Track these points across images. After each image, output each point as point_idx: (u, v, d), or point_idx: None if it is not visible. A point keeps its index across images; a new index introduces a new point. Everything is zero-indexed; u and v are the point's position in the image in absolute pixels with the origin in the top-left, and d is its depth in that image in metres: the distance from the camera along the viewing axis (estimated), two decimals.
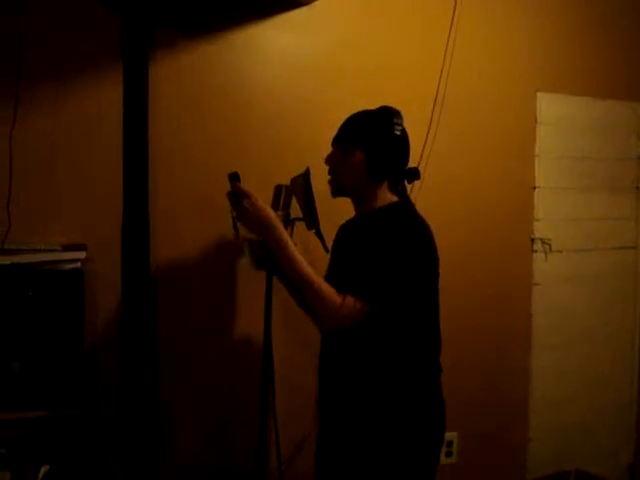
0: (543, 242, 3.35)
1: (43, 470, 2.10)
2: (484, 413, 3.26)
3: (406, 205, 2.05)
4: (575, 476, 3.48)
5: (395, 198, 2.05)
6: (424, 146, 2.88)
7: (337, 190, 2.10)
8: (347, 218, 2.20)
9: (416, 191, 2.27)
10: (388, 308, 1.88)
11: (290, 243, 1.88)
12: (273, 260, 1.94)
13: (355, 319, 1.84)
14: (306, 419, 2.64)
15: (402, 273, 1.87)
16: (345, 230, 2.22)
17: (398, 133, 2.00)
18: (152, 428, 2.46)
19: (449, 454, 3.13)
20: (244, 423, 2.56)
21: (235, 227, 2.04)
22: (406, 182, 2.11)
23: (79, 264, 2.24)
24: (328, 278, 1.97)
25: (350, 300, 1.82)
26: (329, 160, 2.09)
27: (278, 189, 2.11)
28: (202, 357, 2.59)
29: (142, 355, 2.42)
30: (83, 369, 2.24)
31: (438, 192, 2.94)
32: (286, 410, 2.42)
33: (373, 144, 1.99)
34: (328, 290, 1.84)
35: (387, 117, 2.01)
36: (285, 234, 1.89)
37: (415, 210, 2.03)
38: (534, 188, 3.32)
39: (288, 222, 2.08)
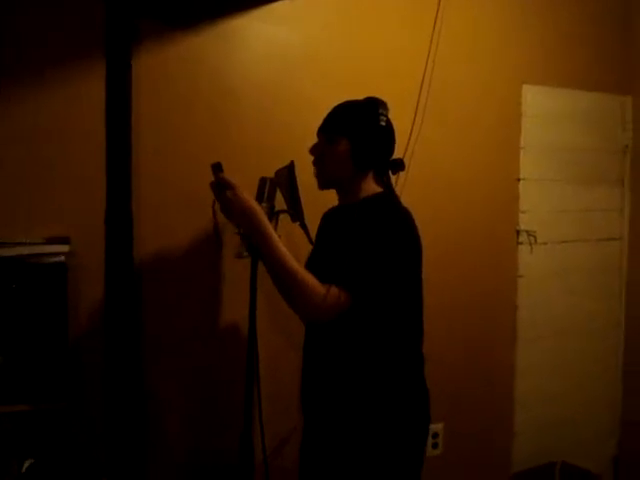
0: (528, 234, 3.35)
1: (27, 464, 2.09)
2: (470, 405, 3.27)
3: (390, 196, 2.05)
4: (561, 468, 3.50)
5: (379, 189, 2.06)
6: (409, 138, 2.88)
7: (323, 182, 2.10)
8: (329, 208, 2.21)
9: (401, 183, 2.28)
10: (372, 299, 1.88)
11: (274, 235, 1.87)
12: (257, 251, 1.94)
13: (339, 310, 1.84)
14: (292, 411, 2.64)
15: (386, 264, 1.87)
16: (329, 219, 2.23)
17: (383, 124, 2.01)
18: (138, 420, 2.45)
19: (435, 446, 3.14)
20: (230, 415, 2.55)
21: (215, 217, 2.03)
22: (391, 173, 2.11)
23: (62, 257, 2.22)
24: (309, 266, 1.98)
25: (334, 291, 1.82)
26: (314, 150, 2.09)
27: (262, 181, 2.10)
28: (187, 349, 2.58)
29: (127, 348, 2.41)
30: (67, 362, 2.23)
31: (423, 184, 2.94)
32: (272, 402, 2.42)
33: (358, 134, 1.99)
34: (312, 281, 1.83)
35: (373, 107, 2.02)
36: (269, 226, 1.88)
37: (399, 201, 2.04)
38: (519, 180, 3.33)
39: (272, 214, 2.07)
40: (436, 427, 3.10)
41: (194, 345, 2.59)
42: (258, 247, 1.90)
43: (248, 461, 2.12)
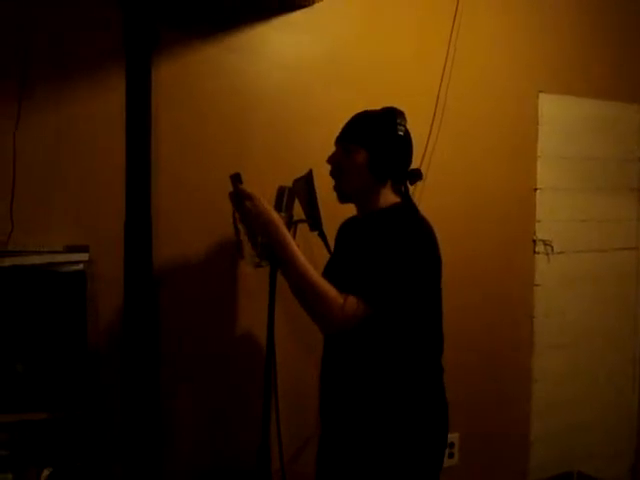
0: (545, 243, 3.35)
1: (46, 472, 2.10)
2: (486, 414, 3.27)
3: (409, 206, 2.04)
4: (577, 478, 3.48)
5: (398, 199, 2.05)
6: (426, 147, 2.89)
7: (342, 195, 2.10)
8: (348, 218, 2.21)
9: (418, 192, 2.28)
10: (390, 310, 1.88)
11: (293, 244, 1.88)
12: (276, 260, 1.95)
13: (357, 321, 1.84)
14: (309, 420, 2.64)
15: (405, 275, 1.87)
16: (347, 229, 2.23)
17: (402, 134, 2.00)
18: (154, 429, 2.45)
19: (451, 455, 3.13)
20: (247, 423, 2.56)
21: (236, 229, 2.04)
22: (409, 183, 2.11)
23: (82, 266, 2.24)
24: (326, 275, 1.97)
25: (352, 301, 1.82)
26: (332, 160, 2.09)
27: (281, 191, 2.10)
28: (205, 357, 2.59)
29: (145, 356, 2.41)
30: (86, 371, 2.24)
31: (440, 193, 2.94)
32: (289, 410, 2.42)
33: (376, 144, 1.99)
34: (330, 291, 1.83)
35: (391, 117, 2.01)
36: (288, 235, 1.89)
37: (418, 211, 2.03)
38: (536, 189, 3.32)
39: (291, 224, 2.07)
40: (452, 437, 3.09)
41: (211, 353, 2.60)
42: (277, 256, 1.91)
43: (265, 469, 2.11)
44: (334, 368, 2.10)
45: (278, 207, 2.05)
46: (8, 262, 2.13)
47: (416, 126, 2.15)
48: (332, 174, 2.09)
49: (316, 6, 2.69)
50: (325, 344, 2.15)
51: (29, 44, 2.23)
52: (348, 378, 2.03)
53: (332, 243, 2.25)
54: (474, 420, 3.19)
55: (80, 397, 2.20)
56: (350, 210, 2.17)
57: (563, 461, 3.52)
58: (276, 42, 2.66)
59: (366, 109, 2.10)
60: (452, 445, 3.12)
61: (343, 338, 2.00)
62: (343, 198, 2.11)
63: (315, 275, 1.86)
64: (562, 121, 3.41)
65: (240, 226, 2.00)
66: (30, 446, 2.13)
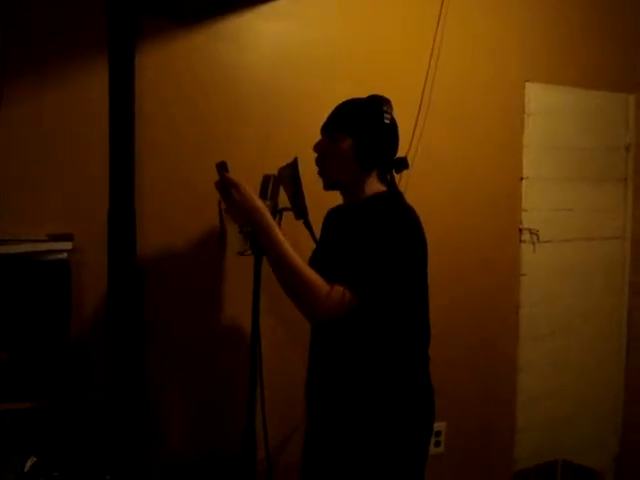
0: (531, 232, 3.35)
1: (30, 462, 2.09)
2: (472, 404, 3.28)
3: (395, 195, 2.04)
4: (562, 467, 3.51)
5: (384, 188, 2.05)
6: (412, 136, 2.88)
7: (328, 183, 2.10)
8: (335, 206, 2.20)
9: (404, 181, 2.27)
10: (376, 298, 1.88)
11: (279, 232, 1.87)
12: (261, 248, 1.95)
13: (343, 309, 1.83)
14: (295, 409, 2.63)
15: (390, 263, 1.87)
16: (333, 217, 2.23)
17: (387, 122, 2.00)
18: (140, 418, 2.45)
19: (437, 444, 3.14)
20: (233, 413, 2.55)
21: (221, 217, 2.03)
22: (395, 172, 2.11)
23: (65, 255, 2.22)
24: (312, 264, 1.97)
25: (338, 290, 1.82)
26: (317, 148, 2.08)
27: (266, 179, 2.09)
28: (190, 346, 2.58)
29: (129, 345, 2.40)
30: (70, 360, 2.23)
31: (425, 182, 2.94)
32: (275, 400, 2.42)
33: (362, 132, 1.98)
34: (316, 279, 1.83)
35: (376, 105, 2.01)
36: (273, 224, 1.89)
37: (404, 200, 2.03)
38: (522, 179, 3.33)
39: (276, 212, 2.07)
40: (438, 425, 3.10)
41: (197, 342, 2.59)
42: (263, 245, 1.90)
43: (250, 458, 2.12)
44: (321, 356, 2.10)
45: (263, 195, 2.05)
46: None
47: (403, 115, 2.15)
48: (318, 162, 2.09)
49: None
50: (312, 333, 2.15)
51: (9, 30, 2.20)
52: (334, 367, 2.03)
53: (318, 232, 2.24)
54: (461, 409, 3.20)
55: (64, 386, 2.19)
56: (336, 199, 2.16)
57: (548, 450, 3.54)
58: (263, 30, 2.65)
59: (352, 97, 2.10)
60: (439, 434, 3.13)
61: (330, 327, 2.00)
62: (328, 185, 2.11)
63: (301, 263, 1.85)
64: (548, 110, 3.41)
65: (225, 215, 1.99)
66: (13, 435, 2.12)
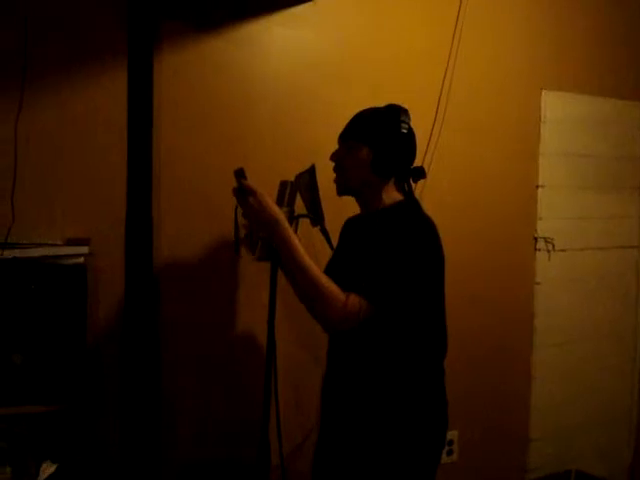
0: (546, 241, 3.34)
1: (44, 466, 2.10)
2: (485, 412, 3.27)
3: (412, 204, 2.04)
4: (575, 476, 3.49)
5: (401, 197, 2.05)
6: (428, 144, 2.88)
7: (343, 189, 2.09)
8: (352, 215, 2.20)
9: (419, 189, 2.27)
10: (393, 309, 1.87)
11: (295, 240, 1.87)
12: (278, 256, 1.95)
13: (359, 318, 1.83)
14: (309, 416, 2.64)
15: (408, 274, 1.86)
16: (351, 226, 2.23)
17: (405, 131, 1.99)
18: (154, 423, 2.45)
19: (450, 453, 3.13)
20: (247, 420, 2.55)
21: (236, 224, 2.04)
22: (412, 181, 2.10)
23: (82, 259, 2.23)
24: (328, 272, 1.96)
25: (355, 299, 1.81)
26: (335, 157, 2.08)
27: (283, 185, 2.09)
28: (204, 352, 2.58)
29: (144, 350, 2.41)
30: (85, 364, 2.23)
31: (441, 190, 2.94)
32: (289, 406, 2.42)
33: (380, 141, 1.98)
34: (332, 288, 1.82)
35: (394, 115, 2.01)
36: (291, 231, 1.88)
37: (421, 209, 2.03)
38: (538, 187, 3.32)
39: (292, 218, 2.06)
40: (451, 434, 3.09)
41: (211, 348, 2.59)
42: (279, 252, 1.90)
43: (265, 465, 2.12)
44: (337, 365, 2.10)
45: (280, 201, 2.04)
46: (9, 254, 2.12)
47: (419, 123, 2.14)
48: (335, 171, 2.09)
49: (319, 1, 2.68)
50: (329, 342, 2.16)
51: (30, 36, 2.21)
52: (350, 375, 2.03)
53: (334, 239, 2.24)
54: (473, 417, 3.19)
55: (79, 390, 2.19)
56: (352, 206, 2.16)
57: (562, 459, 3.52)
58: (280, 36, 2.65)
59: (369, 106, 2.10)
60: (451, 442, 3.12)
61: (346, 336, 2.00)
62: (342, 192, 2.11)
63: (317, 272, 1.85)
64: (565, 118, 3.40)
65: (242, 221, 1.99)
66: (29, 439, 2.13)
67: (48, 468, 2.11)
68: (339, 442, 2.07)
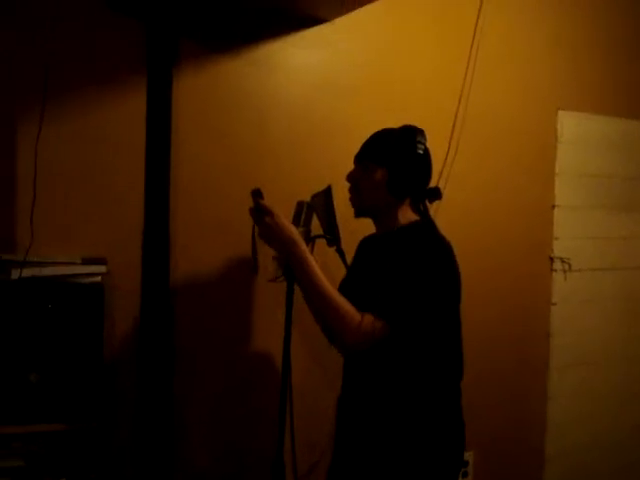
0: (562, 261, 3.33)
1: None
2: (501, 433, 3.25)
3: (428, 225, 2.03)
4: None
5: (416, 217, 2.05)
6: (444, 164, 2.88)
7: (359, 210, 2.10)
8: (368, 234, 2.20)
9: (434, 209, 2.27)
10: (409, 329, 1.87)
11: (312, 260, 1.87)
12: (294, 276, 1.95)
13: (374, 339, 1.82)
14: (323, 436, 2.63)
15: (424, 294, 1.85)
16: (366, 245, 2.23)
17: (421, 152, 2.00)
18: (168, 440, 2.46)
19: (465, 474, 3.10)
20: (261, 439, 2.55)
21: (253, 243, 2.04)
22: (427, 201, 2.10)
23: (99, 278, 2.25)
24: (342, 291, 1.96)
25: (369, 319, 1.81)
26: (350, 178, 2.08)
27: (299, 205, 2.09)
28: (220, 372, 2.59)
29: (160, 369, 2.42)
30: (102, 382, 2.24)
31: (457, 210, 2.93)
32: (303, 426, 2.41)
33: (396, 162, 1.98)
34: (348, 308, 1.83)
35: (410, 135, 2.01)
36: (307, 252, 1.89)
37: (437, 230, 2.02)
38: (554, 207, 3.31)
39: (309, 239, 2.06)
40: (466, 455, 3.06)
41: (226, 368, 2.60)
42: (296, 273, 1.91)
43: None
44: (353, 386, 2.10)
45: (296, 222, 2.04)
46: (27, 273, 2.13)
47: (434, 143, 2.14)
48: (351, 191, 2.09)
49: (335, 22, 2.70)
50: (344, 363, 2.15)
51: (51, 54, 2.24)
52: (366, 395, 2.02)
53: (349, 258, 2.24)
54: (488, 438, 3.17)
55: (95, 409, 2.19)
56: (369, 227, 2.16)
57: None
58: (295, 57, 2.67)
59: (384, 127, 2.10)
60: (466, 463, 3.10)
61: (362, 358, 1.99)
62: (359, 213, 2.11)
63: (333, 292, 1.85)
64: (581, 138, 3.40)
65: (259, 241, 2.00)
66: (45, 457, 2.13)
67: None
68: (354, 463, 2.06)
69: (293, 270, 1.92)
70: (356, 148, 2.11)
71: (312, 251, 2.04)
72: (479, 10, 3.00)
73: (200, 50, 2.51)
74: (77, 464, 2.18)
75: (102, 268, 2.26)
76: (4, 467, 2.06)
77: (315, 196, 2.17)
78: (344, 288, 2.09)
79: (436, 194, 2.08)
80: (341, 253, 2.18)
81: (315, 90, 2.71)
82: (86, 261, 2.27)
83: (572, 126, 3.35)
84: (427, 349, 1.94)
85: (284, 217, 1.91)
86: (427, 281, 1.86)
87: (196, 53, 2.50)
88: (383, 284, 1.86)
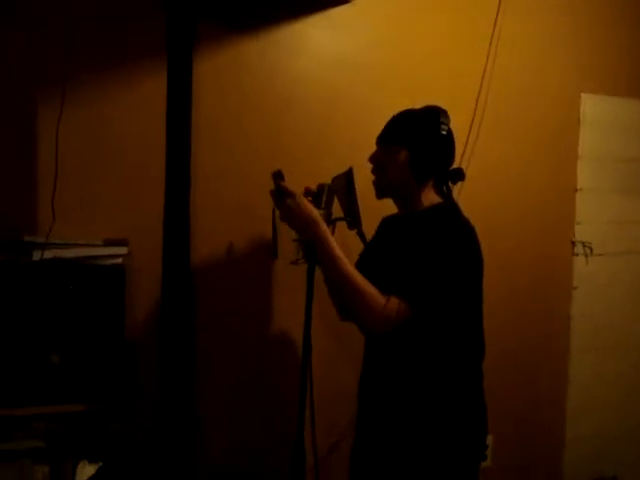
0: (584, 245, 3.30)
1: (81, 465, 2.11)
2: (520, 416, 3.24)
3: (451, 207, 2.02)
4: None
5: (439, 199, 2.03)
6: (465, 145, 2.86)
7: (381, 191, 2.08)
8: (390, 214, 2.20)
9: (456, 191, 2.25)
10: (432, 311, 1.86)
11: (334, 243, 1.86)
12: (315, 258, 1.94)
13: (398, 321, 1.82)
14: (343, 419, 2.63)
15: (447, 277, 1.84)
16: (388, 226, 2.22)
17: (444, 133, 1.98)
18: (189, 423, 2.47)
19: (484, 457, 3.09)
20: (281, 420, 2.56)
21: (274, 226, 2.03)
22: (450, 183, 2.09)
23: (120, 259, 2.25)
24: (360, 267, 1.95)
25: (394, 301, 1.80)
26: (373, 159, 2.07)
27: (320, 188, 2.08)
28: (240, 353, 2.59)
29: (181, 350, 2.43)
30: (123, 363, 2.25)
31: (478, 192, 2.90)
32: (323, 408, 2.41)
33: (418, 143, 1.96)
34: (372, 291, 1.82)
35: (433, 116, 1.99)
36: (329, 234, 1.88)
37: (460, 212, 2.01)
38: (576, 190, 3.28)
39: (330, 221, 2.05)
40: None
41: (246, 350, 2.60)
42: (318, 255, 1.90)
43: (300, 466, 2.11)
44: (374, 367, 2.10)
45: (317, 204, 2.03)
46: (49, 254, 2.14)
47: (457, 125, 2.12)
48: (374, 172, 2.08)
49: (356, 2, 2.67)
50: (366, 344, 2.15)
51: (72, 38, 2.24)
52: (388, 377, 2.02)
53: (369, 236, 2.22)
54: (508, 422, 3.15)
55: (116, 390, 2.21)
56: (389, 209, 2.14)
57: (597, 465, 3.47)
58: (315, 39, 2.66)
59: (405, 107, 2.08)
60: (486, 447, 3.08)
61: (384, 339, 1.99)
62: (381, 194, 2.09)
63: (356, 274, 1.84)
64: (604, 121, 3.35)
65: (279, 224, 1.99)
66: (66, 438, 2.14)
67: (84, 467, 2.12)
68: (377, 446, 2.06)
69: (315, 252, 1.91)
70: (378, 129, 2.09)
71: (333, 233, 2.02)
72: None
73: (220, 32, 2.50)
74: (97, 445, 2.19)
75: (123, 250, 2.27)
76: (25, 448, 2.08)
77: (336, 178, 2.16)
78: (362, 265, 2.08)
79: (459, 175, 2.06)
80: (362, 236, 2.17)
81: (336, 71, 2.69)
82: (107, 243, 2.28)
83: (595, 109, 3.31)
84: (450, 331, 1.93)
85: (305, 199, 1.90)
86: (451, 264, 1.85)
87: (216, 35, 2.49)
88: (407, 267, 1.85)
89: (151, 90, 2.39)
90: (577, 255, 3.30)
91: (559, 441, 3.39)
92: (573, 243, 3.29)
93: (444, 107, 2.04)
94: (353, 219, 2.15)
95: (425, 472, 1.94)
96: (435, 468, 1.93)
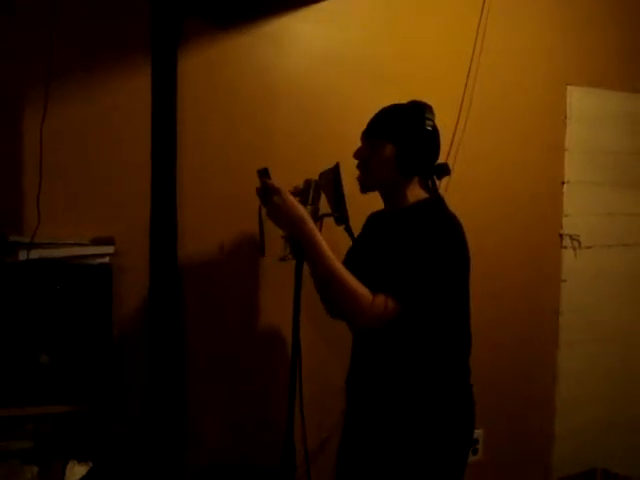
0: (572, 238, 3.31)
1: (70, 465, 2.10)
2: (510, 410, 3.25)
3: (437, 202, 2.02)
4: (601, 475, 3.45)
5: (425, 194, 2.03)
6: (452, 140, 2.86)
7: (366, 186, 2.08)
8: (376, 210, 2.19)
9: (443, 186, 2.25)
10: (419, 307, 1.86)
11: (321, 239, 1.85)
12: (303, 255, 1.93)
13: (386, 318, 1.82)
14: (332, 415, 2.63)
15: (434, 273, 1.84)
16: (374, 222, 2.22)
17: (429, 128, 1.97)
18: (178, 422, 2.46)
19: (474, 451, 3.11)
20: (270, 418, 2.56)
21: (260, 224, 2.03)
22: (436, 178, 2.09)
23: (107, 259, 2.24)
24: (347, 264, 1.95)
25: (381, 299, 1.80)
26: (358, 154, 2.06)
27: (307, 184, 2.07)
28: (229, 351, 2.59)
29: (169, 349, 2.42)
30: (111, 363, 2.24)
31: (466, 187, 2.91)
32: (311, 405, 2.41)
33: (404, 138, 1.96)
34: (359, 288, 1.81)
35: (418, 111, 1.99)
36: (316, 230, 1.87)
37: (446, 207, 2.01)
38: (563, 183, 3.29)
39: (317, 217, 2.05)
40: (476, 432, 3.04)
41: (236, 347, 2.60)
42: (305, 251, 1.89)
43: (290, 464, 2.11)
44: (362, 364, 2.10)
45: (304, 201, 2.02)
46: (35, 254, 2.13)
47: (443, 119, 2.12)
48: (359, 168, 2.07)
49: None
50: (354, 340, 2.15)
51: (55, 35, 2.22)
52: (376, 373, 2.03)
53: (356, 232, 2.22)
54: (498, 416, 3.16)
55: (105, 390, 2.20)
56: (376, 204, 2.14)
57: (587, 458, 3.49)
58: (303, 33, 2.65)
59: (393, 102, 2.07)
60: (476, 441, 3.10)
61: (372, 334, 1.99)
62: (365, 188, 2.09)
63: (344, 271, 1.83)
64: (590, 114, 3.37)
65: (266, 221, 1.98)
66: (55, 439, 2.13)
67: (73, 468, 2.11)
68: (364, 441, 2.06)
69: (302, 249, 1.91)
70: (364, 124, 2.09)
71: (320, 229, 2.02)
72: None
73: (206, 27, 2.48)
74: (86, 445, 2.18)
75: (110, 249, 2.26)
76: (14, 449, 2.07)
77: (323, 174, 2.15)
78: (349, 262, 2.08)
79: (445, 170, 2.06)
80: (349, 231, 2.17)
81: (323, 65, 2.69)
82: (94, 241, 2.26)
83: (581, 101, 3.32)
84: (437, 327, 1.94)
85: (292, 196, 1.89)
86: (437, 260, 1.85)
87: (202, 30, 2.48)
88: (393, 264, 1.85)
89: (136, 87, 2.37)
90: (565, 248, 3.32)
91: (549, 434, 3.41)
92: (561, 236, 3.30)
93: (431, 102, 2.04)
94: (341, 215, 2.14)
95: (412, 467, 1.94)
96: (422, 462, 1.94)
